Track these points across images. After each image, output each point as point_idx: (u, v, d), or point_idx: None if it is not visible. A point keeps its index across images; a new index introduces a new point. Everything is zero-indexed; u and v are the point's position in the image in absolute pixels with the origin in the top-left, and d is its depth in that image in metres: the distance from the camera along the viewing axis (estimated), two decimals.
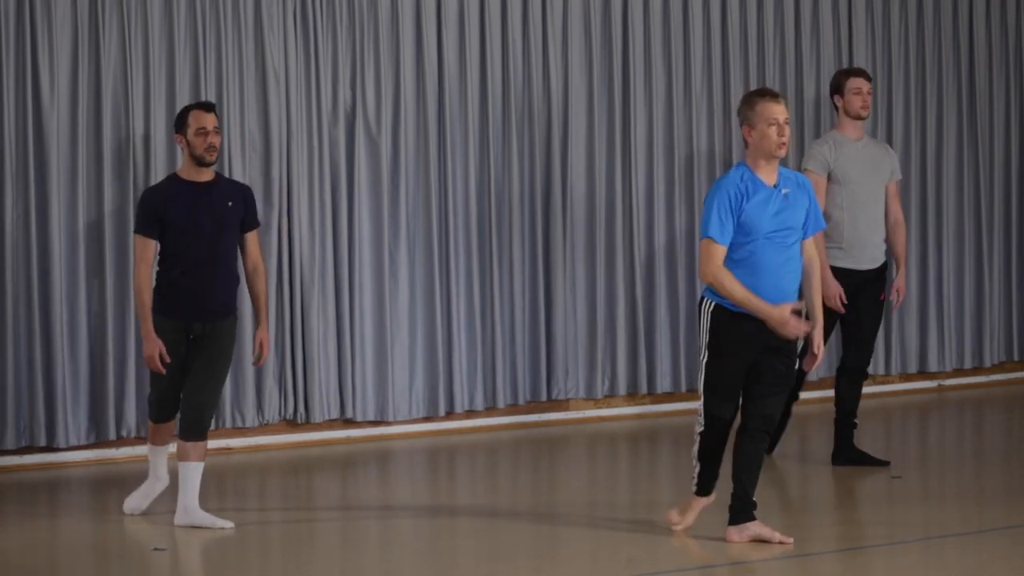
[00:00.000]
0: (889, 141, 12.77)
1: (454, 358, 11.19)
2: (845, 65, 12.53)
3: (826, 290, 9.52)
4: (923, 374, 13.06)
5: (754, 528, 7.68)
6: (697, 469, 7.85)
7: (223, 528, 8.25)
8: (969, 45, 13.18)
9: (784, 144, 7.58)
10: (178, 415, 8.51)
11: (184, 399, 8.38)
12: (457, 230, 11.19)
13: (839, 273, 9.61)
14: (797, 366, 7.84)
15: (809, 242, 7.79)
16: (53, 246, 10.04)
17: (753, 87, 12.20)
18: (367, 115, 10.93)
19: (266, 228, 10.61)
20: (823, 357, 7.93)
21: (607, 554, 7.63)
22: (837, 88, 9.83)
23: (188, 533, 8.22)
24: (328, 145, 10.84)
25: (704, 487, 7.88)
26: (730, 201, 7.55)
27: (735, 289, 7.53)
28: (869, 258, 9.69)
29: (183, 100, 10.34)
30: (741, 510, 7.69)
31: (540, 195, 11.50)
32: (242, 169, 10.53)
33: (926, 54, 12.95)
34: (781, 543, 7.62)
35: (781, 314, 7.52)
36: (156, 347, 8.28)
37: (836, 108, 9.86)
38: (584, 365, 11.64)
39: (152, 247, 8.34)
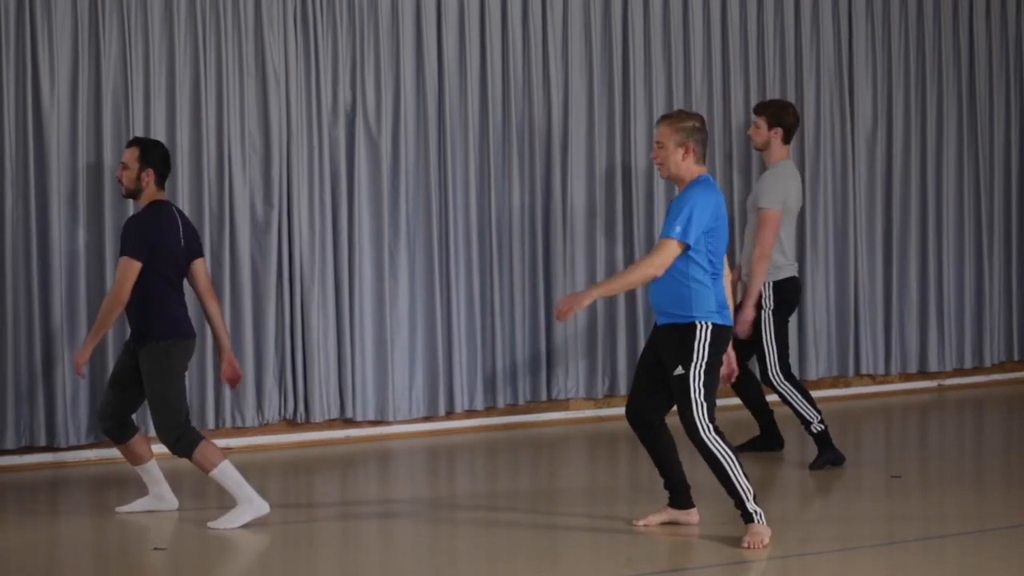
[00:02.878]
0: (889, 141, 12.79)
1: (454, 358, 11.20)
2: (845, 64, 12.58)
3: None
4: (923, 374, 13.06)
5: (747, 531, 7.73)
6: (663, 480, 8.29)
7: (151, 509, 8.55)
8: (969, 45, 13.19)
9: (658, 165, 7.92)
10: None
11: None
12: (457, 230, 11.20)
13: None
14: None
15: (658, 245, 7.81)
16: (53, 246, 10.05)
17: (753, 87, 12.23)
18: (367, 115, 10.94)
19: (266, 228, 10.63)
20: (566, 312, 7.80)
21: (607, 554, 7.64)
22: None
23: (188, 533, 8.22)
24: (328, 145, 10.85)
25: (672, 498, 8.24)
26: None
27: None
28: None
29: (183, 100, 10.36)
30: (741, 515, 7.82)
31: (540, 195, 11.51)
32: (242, 169, 10.54)
33: (926, 54, 12.96)
34: (745, 548, 7.64)
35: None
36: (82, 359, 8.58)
37: None
38: (584, 365, 11.65)
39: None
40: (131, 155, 8.60)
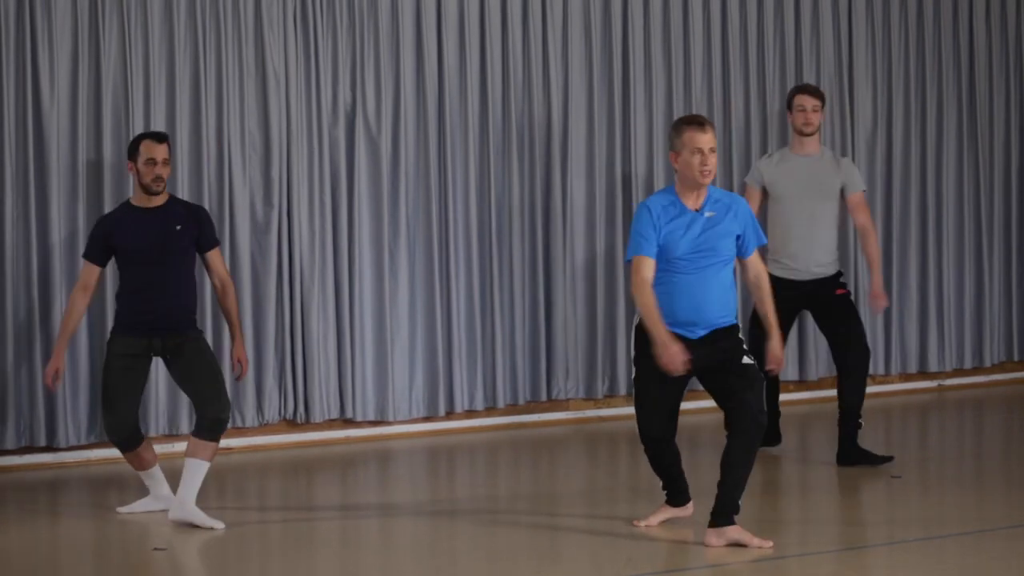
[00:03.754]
0: (889, 142, 12.78)
1: (454, 358, 11.20)
2: (845, 65, 12.58)
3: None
4: (923, 374, 13.06)
5: (732, 533, 7.66)
6: (661, 483, 8.17)
7: (212, 528, 8.26)
8: (969, 45, 13.19)
9: (707, 172, 7.65)
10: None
11: (199, 409, 8.48)
12: (457, 230, 11.20)
13: (778, 283, 9.69)
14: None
15: (755, 257, 7.88)
16: (53, 246, 10.05)
17: (753, 87, 12.22)
18: (367, 115, 10.94)
19: (266, 228, 10.63)
20: (782, 365, 8.09)
21: (607, 554, 7.63)
22: (788, 104, 10.07)
23: (188, 533, 8.21)
24: (328, 145, 10.84)
25: (670, 498, 8.17)
26: (652, 219, 7.69)
27: (646, 305, 7.67)
28: (807, 272, 9.81)
29: (183, 100, 10.35)
30: (720, 513, 7.68)
31: (540, 195, 11.51)
32: (242, 169, 10.54)
33: (926, 54, 12.96)
34: (759, 548, 7.59)
35: (667, 348, 7.59)
36: (55, 365, 8.58)
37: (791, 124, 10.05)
38: (584, 365, 11.65)
39: (95, 273, 8.66)
40: (166, 150, 8.54)
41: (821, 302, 9.88)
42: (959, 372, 13.20)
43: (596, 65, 11.67)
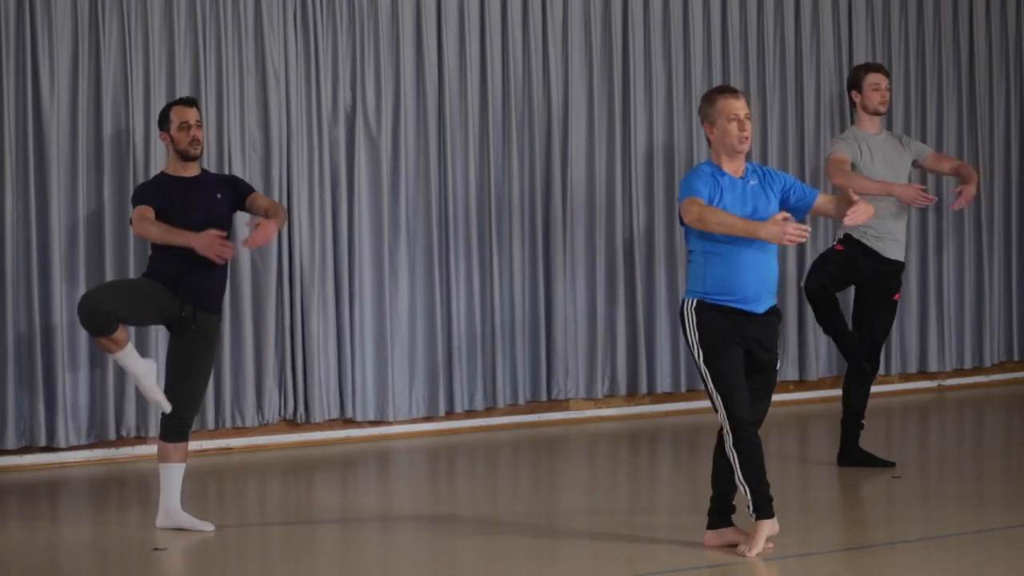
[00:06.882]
0: None
1: (454, 358, 11.20)
2: (845, 64, 12.58)
3: (905, 193, 9.51)
4: (923, 374, 13.06)
5: (731, 534, 7.65)
6: (749, 495, 7.47)
7: (203, 530, 8.21)
8: (969, 45, 13.19)
9: (745, 139, 7.48)
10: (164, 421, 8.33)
11: (168, 399, 8.27)
12: (457, 230, 11.20)
13: (867, 252, 9.59)
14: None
15: (822, 196, 7.70)
16: (53, 246, 10.05)
17: (754, 87, 12.22)
18: (367, 115, 10.94)
19: None
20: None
21: (607, 554, 7.63)
22: (855, 83, 9.77)
23: (188, 534, 8.21)
24: (328, 145, 10.85)
25: (763, 509, 7.50)
26: (703, 180, 7.45)
27: (721, 217, 7.35)
28: (892, 249, 9.66)
29: None
30: (719, 515, 7.66)
31: (540, 195, 11.51)
32: (242, 169, 10.54)
33: (926, 53, 12.96)
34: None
35: (760, 225, 7.39)
36: (205, 237, 8.11)
37: (854, 104, 9.81)
38: (584, 365, 11.65)
39: (151, 211, 8.17)
40: (197, 113, 8.30)
41: (879, 290, 9.66)
42: (959, 372, 13.20)
43: (596, 66, 11.67)
